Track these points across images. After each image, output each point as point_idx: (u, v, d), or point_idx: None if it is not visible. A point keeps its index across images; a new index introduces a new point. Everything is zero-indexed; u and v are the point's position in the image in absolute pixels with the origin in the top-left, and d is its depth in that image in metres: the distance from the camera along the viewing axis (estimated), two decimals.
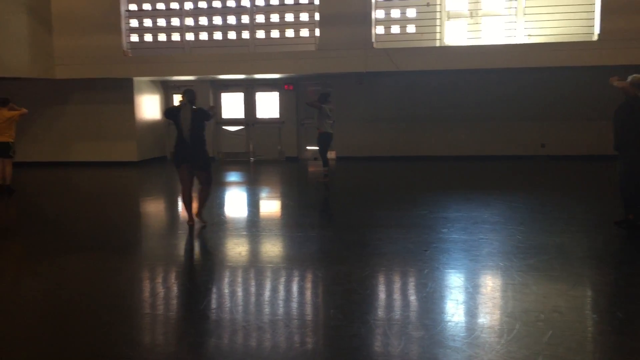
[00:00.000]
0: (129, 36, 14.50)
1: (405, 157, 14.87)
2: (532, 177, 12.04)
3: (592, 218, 7.61)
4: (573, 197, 9.34)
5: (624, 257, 6.10)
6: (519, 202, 8.85)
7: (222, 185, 12.05)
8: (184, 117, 7.23)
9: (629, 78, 6.89)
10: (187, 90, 7.49)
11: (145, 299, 4.97)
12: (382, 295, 5.00)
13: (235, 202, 10.01)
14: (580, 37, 12.49)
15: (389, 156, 14.98)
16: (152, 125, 15.99)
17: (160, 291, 5.14)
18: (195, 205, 7.66)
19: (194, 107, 7.38)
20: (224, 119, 16.41)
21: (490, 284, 5.18)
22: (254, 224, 8.01)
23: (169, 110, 7.70)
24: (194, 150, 7.32)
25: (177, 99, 16.62)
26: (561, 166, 13.31)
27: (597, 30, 12.33)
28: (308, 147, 15.89)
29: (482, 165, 13.61)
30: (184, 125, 7.22)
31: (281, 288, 5.17)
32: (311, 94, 15.44)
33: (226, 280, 5.44)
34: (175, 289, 5.24)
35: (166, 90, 16.57)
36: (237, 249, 6.66)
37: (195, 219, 7.59)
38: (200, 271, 5.83)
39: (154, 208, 9.90)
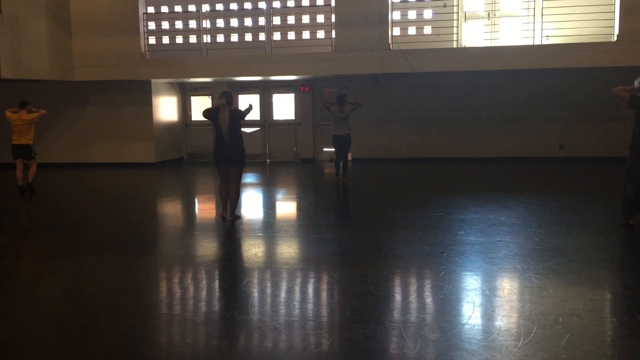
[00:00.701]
0: (147, 38, 14.63)
1: (421, 158, 14.82)
2: (551, 179, 11.95)
3: (611, 221, 7.49)
4: (592, 200, 9.24)
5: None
6: (537, 204, 8.77)
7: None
8: (222, 118, 7.67)
9: (636, 82, 6.92)
10: (225, 92, 7.91)
11: (162, 299, 5.01)
12: (398, 297, 4.98)
13: (251, 203, 10.03)
14: (599, 38, 12.36)
15: (405, 158, 14.94)
16: (170, 127, 16.11)
17: (177, 292, 5.17)
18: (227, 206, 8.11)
19: (231, 108, 7.78)
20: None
21: (508, 286, 5.14)
22: (270, 225, 8.03)
23: (208, 111, 7.99)
24: (232, 148, 7.77)
25: (193, 100, 16.77)
26: (580, 168, 13.18)
27: (616, 31, 12.20)
28: (324, 149, 15.90)
29: (499, 167, 13.52)
30: (223, 125, 7.67)
31: (297, 289, 5.18)
32: (327, 95, 15.46)
33: (242, 281, 5.46)
34: (191, 289, 5.27)
35: (183, 91, 16.68)
36: (253, 249, 6.68)
37: (230, 218, 8.02)
38: (217, 272, 5.85)
39: (171, 209, 9.97)
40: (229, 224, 7.89)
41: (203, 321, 4.44)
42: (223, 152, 7.83)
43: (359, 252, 6.35)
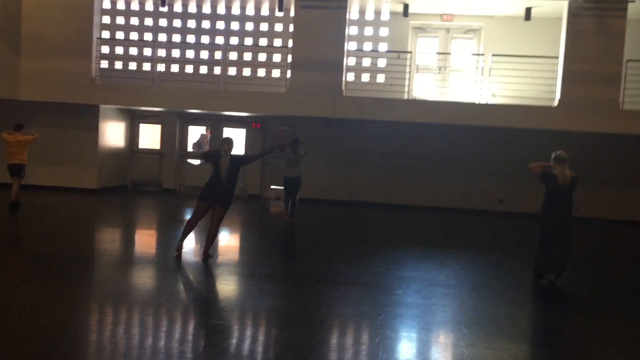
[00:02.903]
0: (99, 63, 14.42)
1: (367, 203, 15.00)
2: (489, 235, 12.27)
3: (544, 286, 7.75)
4: (527, 261, 9.46)
5: (572, 333, 6.21)
6: (475, 263, 9.01)
7: (181, 223, 11.93)
8: (223, 164, 8.11)
9: (553, 154, 7.76)
10: (227, 139, 8.40)
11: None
12: None
13: (194, 244, 9.88)
14: (542, 102, 12.94)
15: (352, 201, 15.09)
16: (115, 153, 15.79)
17: (108, 347, 5.01)
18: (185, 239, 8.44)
19: (232, 154, 8.24)
20: (189, 151, 16.36)
21: (440, 358, 5.20)
22: (208, 272, 7.88)
23: (209, 155, 8.52)
24: (225, 191, 8.15)
25: (142, 128, 16.52)
26: (518, 224, 13.59)
27: (557, 96, 12.81)
28: (272, 187, 15.89)
29: (441, 218, 13.81)
30: (223, 170, 8.09)
31: (231, 350, 5.09)
32: (278, 134, 15.54)
33: (174, 337, 5.34)
34: (114, 342, 5.10)
35: (132, 118, 16.41)
36: (187, 299, 6.56)
37: (202, 256, 8.26)
38: (146, 323, 5.70)
39: (109, 241, 9.70)
40: (170, 263, 7.77)
41: None
42: (216, 191, 8.13)
43: (298, 309, 6.33)
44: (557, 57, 12.96)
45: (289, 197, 11.81)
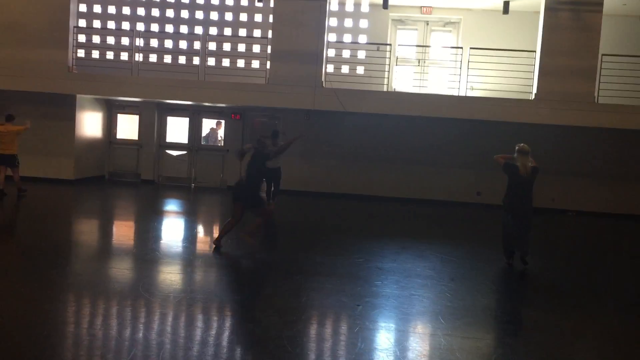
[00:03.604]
0: (76, 52, 14.22)
1: (346, 194, 15.06)
2: (467, 227, 12.41)
3: (519, 276, 7.90)
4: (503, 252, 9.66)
5: (547, 323, 6.32)
6: (452, 254, 9.11)
7: (160, 215, 11.90)
8: (246, 159, 8.54)
9: (516, 147, 8.46)
10: (259, 140, 8.73)
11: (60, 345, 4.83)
12: (311, 355, 5.03)
13: (170, 235, 9.86)
14: (519, 95, 13.10)
15: (330, 192, 15.14)
16: (92, 144, 15.63)
17: (85, 339, 5.00)
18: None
19: (259, 149, 8.49)
20: (167, 142, 16.23)
21: (418, 347, 5.29)
22: (188, 262, 7.89)
23: (242, 153, 8.86)
24: (247, 188, 8.35)
25: (120, 118, 16.34)
26: (495, 215, 13.72)
27: (534, 90, 12.97)
28: None
29: (419, 209, 13.92)
30: (243, 165, 8.50)
31: (210, 340, 5.12)
32: (257, 125, 15.52)
33: (153, 326, 5.35)
34: (93, 334, 5.10)
35: (110, 109, 16.23)
36: (166, 290, 6.55)
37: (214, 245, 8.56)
38: (125, 312, 5.70)
39: (85, 232, 9.63)
40: (147, 255, 7.73)
41: None
42: (239, 189, 8.41)
43: (277, 299, 6.36)
44: (534, 51, 13.11)
45: (269, 188, 11.97)
